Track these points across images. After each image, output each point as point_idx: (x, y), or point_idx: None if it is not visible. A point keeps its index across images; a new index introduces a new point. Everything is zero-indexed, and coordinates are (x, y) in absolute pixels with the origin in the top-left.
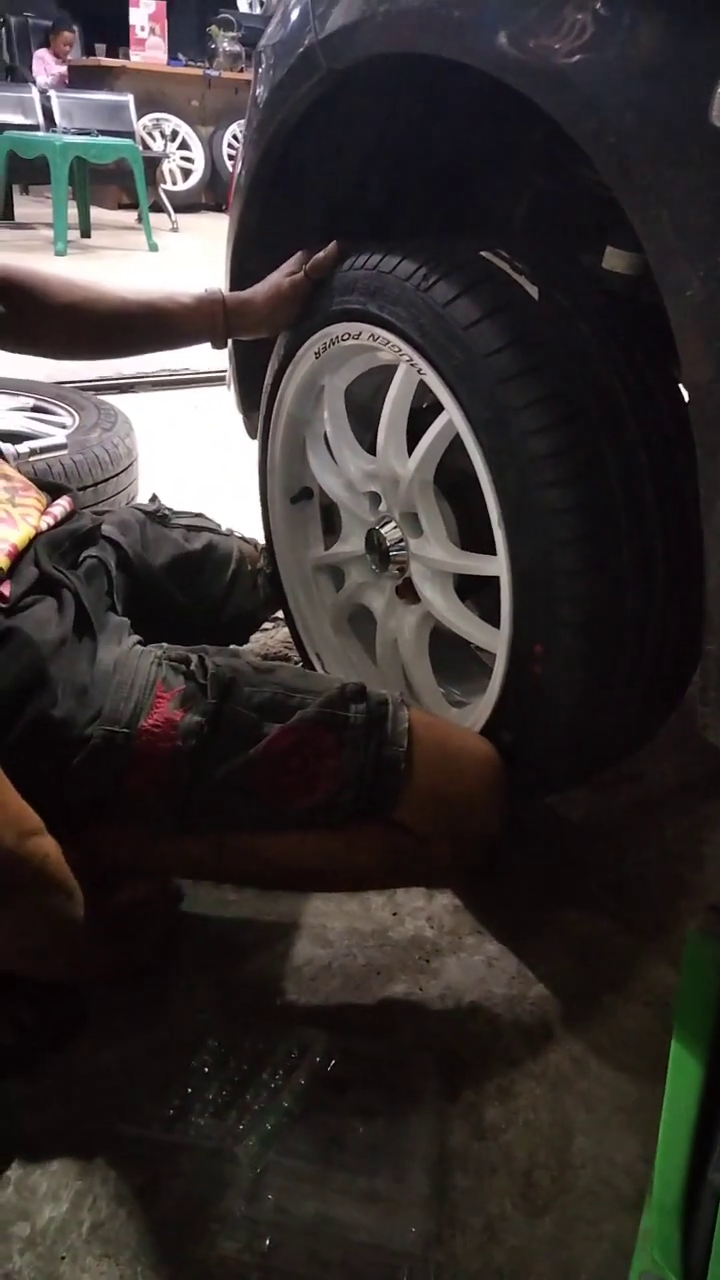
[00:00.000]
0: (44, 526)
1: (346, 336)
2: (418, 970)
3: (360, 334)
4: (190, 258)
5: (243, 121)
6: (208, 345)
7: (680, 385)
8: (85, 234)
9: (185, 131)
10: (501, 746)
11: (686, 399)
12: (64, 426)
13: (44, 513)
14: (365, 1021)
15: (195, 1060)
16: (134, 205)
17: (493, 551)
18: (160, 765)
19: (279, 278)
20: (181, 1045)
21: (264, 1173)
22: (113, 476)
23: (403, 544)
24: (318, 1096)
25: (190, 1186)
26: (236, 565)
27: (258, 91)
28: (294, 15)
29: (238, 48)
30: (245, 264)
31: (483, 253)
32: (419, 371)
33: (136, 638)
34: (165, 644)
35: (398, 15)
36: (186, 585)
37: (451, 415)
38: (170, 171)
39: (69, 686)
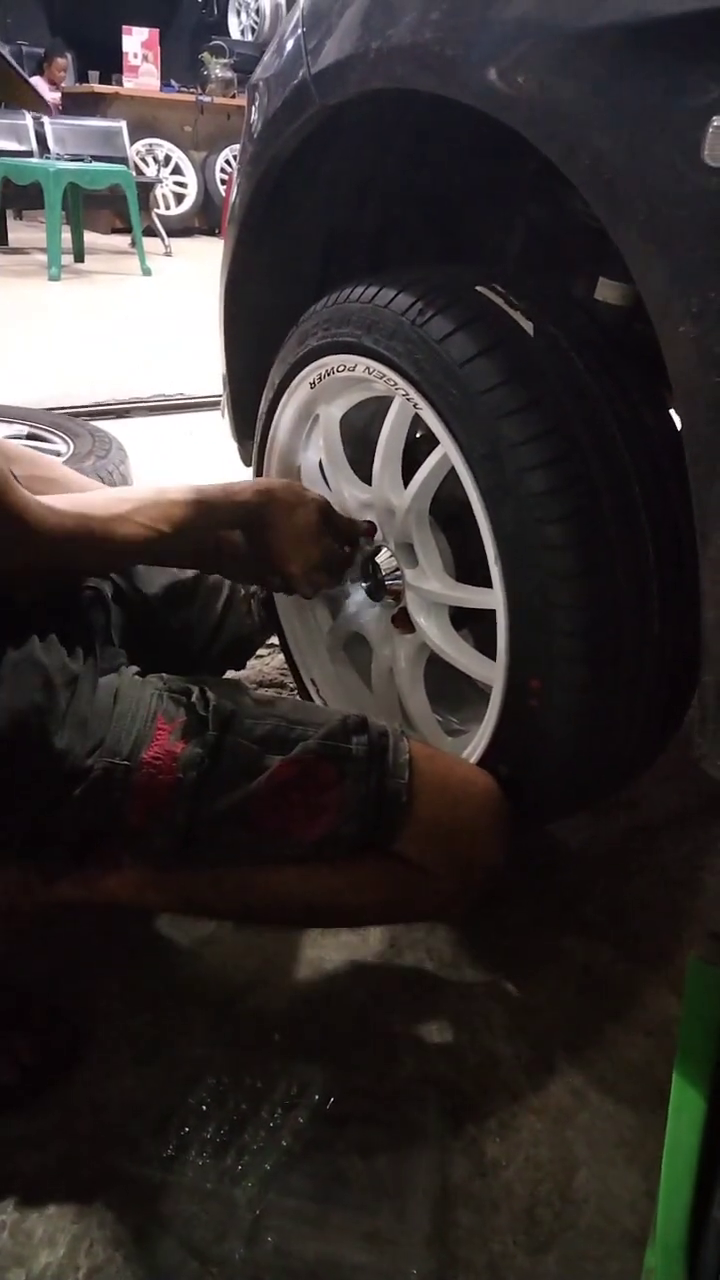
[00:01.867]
0: None
1: (342, 368)
2: (417, 1002)
3: (355, 366)
4: (184, 281)
5: (236, 146)
6: (199, 369)
7: (674, 416)
8: (79, 258)
9: (178, 156)
10: (500, 778)
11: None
12: (59, 454)
13: None
14: (365, 1055)
15: (194, 1097)
16: (127, 230)
17: (489, 583)
18: (161, 797)
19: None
20: (180, 1082)
21: (264, 1214)
22: None
23: (398, 573)
24: (318, 1134)
25: (189, 1229)
26: (230, 592)
27: (252, 123)
28: (287, 50)
29: (230, 74)
30: (240, 291)
31: (478, 287)
32: (414, 405)
33: (134, 668)
34: (165, 675)
35: (389, 52)
36: (180, 613)
37: (447, 450)
38: (164, 196)
39: (70, 718)
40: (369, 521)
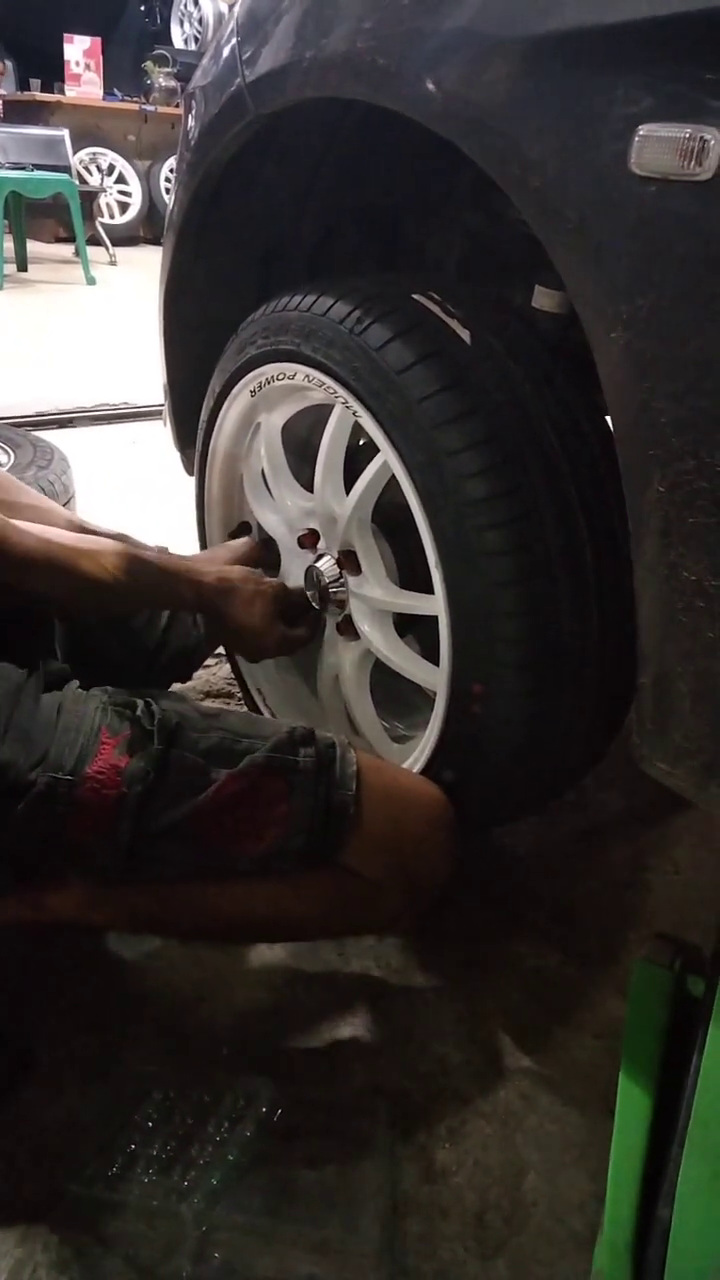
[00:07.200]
0: None
1: (281, 376)
2: (366, 1011)
3: (295, 375)
4: (129, 290)
5: None
6: (143, 377)
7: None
8: (22, 268)
9: (122, 165)
10: (445, 784)
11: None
12: None
13: None
14: (313, 1066)
15: (139, 1114)
16: (71, 239)
17: (431, 589)
18: (105, 812)
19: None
20: (126, 1099)
21: (211, 1229)
22: None
23: (342, 581)
24: (265, 1147)
25: (136, 1248)
26: None
27: (189, 130)
28: (223, 58)
29: (173, 83)
30: (179, 300)
31: (415, 296)
32: (354, 413)
33: (76, 682)
34: (109, 688)
35: (323, 62)
36: (124, 627)
37: (387, 457)
38: (108, 205)
39: (13, 732)
40: (311, 529)
